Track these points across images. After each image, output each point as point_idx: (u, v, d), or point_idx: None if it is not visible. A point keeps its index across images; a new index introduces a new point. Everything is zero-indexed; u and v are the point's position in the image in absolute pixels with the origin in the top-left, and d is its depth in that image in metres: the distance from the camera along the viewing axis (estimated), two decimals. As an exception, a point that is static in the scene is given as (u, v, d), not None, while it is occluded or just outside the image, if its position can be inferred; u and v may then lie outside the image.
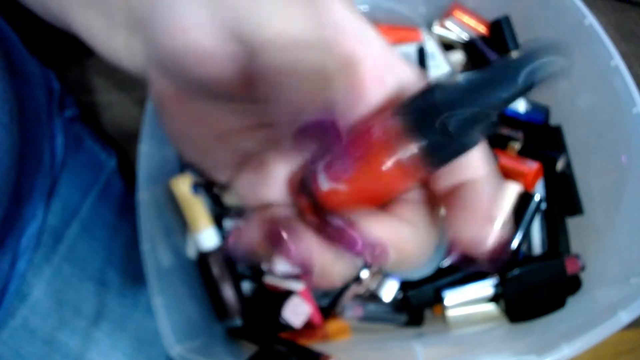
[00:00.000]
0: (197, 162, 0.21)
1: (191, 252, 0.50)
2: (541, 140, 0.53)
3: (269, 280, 0.48)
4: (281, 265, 0.17)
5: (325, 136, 0.14)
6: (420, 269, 0.48)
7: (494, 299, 0.46)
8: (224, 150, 0.20)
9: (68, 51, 0.62)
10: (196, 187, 0.49)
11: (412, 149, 0.13)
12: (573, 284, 0.46)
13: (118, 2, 0.21)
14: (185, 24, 0.18)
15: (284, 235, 0.15)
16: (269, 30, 0.16)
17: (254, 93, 0.17)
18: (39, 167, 0.43)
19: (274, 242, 0.15)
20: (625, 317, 0.37)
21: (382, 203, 0.16)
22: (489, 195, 0.16)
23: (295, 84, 0.15)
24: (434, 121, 0.12)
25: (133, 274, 0.47)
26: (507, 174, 0.50)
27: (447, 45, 0.59)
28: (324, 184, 0.15)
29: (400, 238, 0.16)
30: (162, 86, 0.20)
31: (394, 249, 0.16)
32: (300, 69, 0.15)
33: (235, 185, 0.21)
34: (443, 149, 0.12)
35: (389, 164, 0.13)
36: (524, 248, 0.49)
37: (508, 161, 0.50)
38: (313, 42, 0.16)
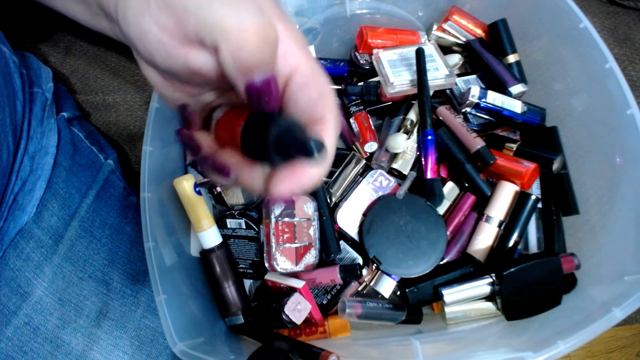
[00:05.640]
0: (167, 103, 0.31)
1: (194, 251, 0.51)
2: (538, 141, 0.53)
3: (270, 278, 0.49)
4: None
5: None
6: (419, 268, 0.48)
7: (491, 296, 0.47)
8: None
9: (74, 53, 0.62)
10: (199, 186, 0.50)
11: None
12: (569, 282, 0.46)
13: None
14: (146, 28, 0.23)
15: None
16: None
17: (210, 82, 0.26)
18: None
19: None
20: (619, 314, 0.37)
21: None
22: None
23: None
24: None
25: (133, 274, 0.48)
26: (504, 174, 0.51)
27: (446, 48, 0.60)
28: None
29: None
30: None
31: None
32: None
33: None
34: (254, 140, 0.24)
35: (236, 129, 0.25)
36: (520, 247, 0.50)
37: (505, 162, 0.50)
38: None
